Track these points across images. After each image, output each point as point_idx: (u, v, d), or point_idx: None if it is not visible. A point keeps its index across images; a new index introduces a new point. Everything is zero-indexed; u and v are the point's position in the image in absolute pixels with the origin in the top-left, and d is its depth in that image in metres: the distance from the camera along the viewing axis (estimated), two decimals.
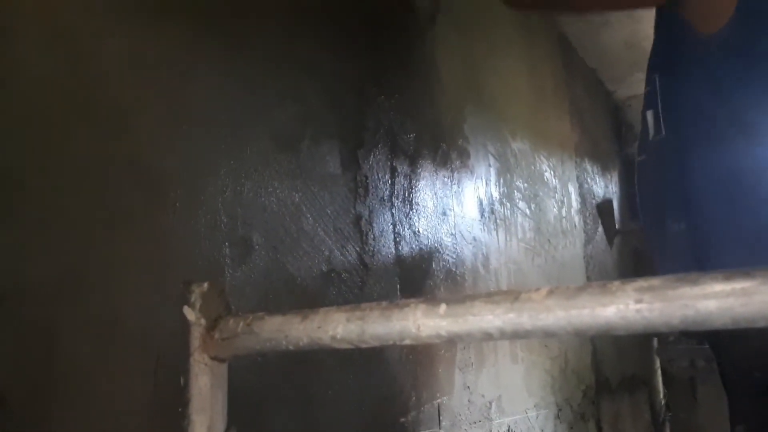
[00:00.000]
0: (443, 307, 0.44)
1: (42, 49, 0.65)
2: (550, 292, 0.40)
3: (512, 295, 0.41)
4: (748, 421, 1.06)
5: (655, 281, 0.37)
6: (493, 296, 0.42)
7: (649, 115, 1.19)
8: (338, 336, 0.49)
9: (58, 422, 0.60)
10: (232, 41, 0.91)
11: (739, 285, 0.34)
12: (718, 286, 0.35)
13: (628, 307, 0.37)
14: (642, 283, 0.37)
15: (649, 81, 1.20)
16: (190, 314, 0.56)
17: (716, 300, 0.35)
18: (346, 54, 1.18)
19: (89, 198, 0.68)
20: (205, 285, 0.57)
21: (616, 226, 2.51)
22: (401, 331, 0.45)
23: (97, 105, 0.70)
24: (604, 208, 2.48)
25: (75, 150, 0.67)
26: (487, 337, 0.42)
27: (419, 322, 0.44)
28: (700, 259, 1.05)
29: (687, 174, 1.11)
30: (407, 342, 0.46)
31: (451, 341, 0.45)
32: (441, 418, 1.25)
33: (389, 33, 1.36)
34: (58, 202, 0.65)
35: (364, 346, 0.48)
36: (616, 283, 0.38)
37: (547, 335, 0.40)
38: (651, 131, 1.17)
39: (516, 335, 0.41)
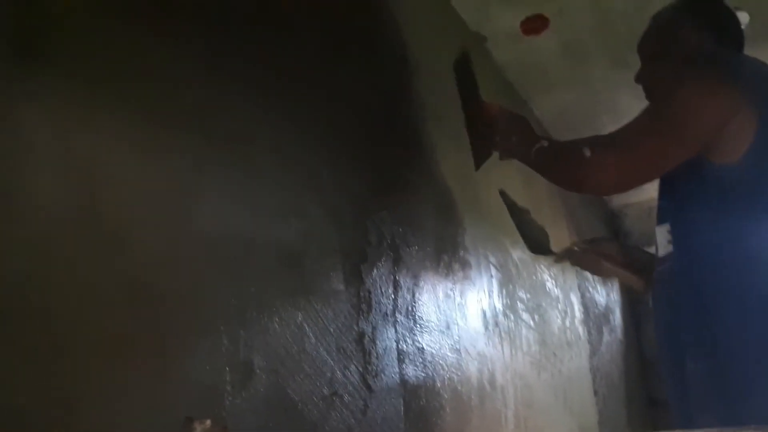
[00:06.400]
0: None
1: (56, 177, 0.66)
2: None
3: None
4: None
5: None
6: None
7: (659, 231, 1.19)
8: None
9: None
10: (234, 159, 0.92)
11: None
12: None
13: None
14: None
15: (661, 196, 1.21)
16: None
17: None
18: (347, 169, 1.20)
19: (83, 321, 0.65)
20: (208, 422, 0.53)
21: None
22: None
23: (99, 226, 0.70)
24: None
25: (74, 273, 0.66)
26: None
27: None
28: (727, 399, 1.01)
29: (701, 295, 1.09)
30: None
31: None
32: None
33: (390, 148, 1.39)
34: (52, 326, 0.62)
35: None
36: None
37: None
38: (662, 248, 1.17)
39: None
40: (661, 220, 1.19)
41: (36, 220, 0.63)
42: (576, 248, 1.47)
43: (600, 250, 1.44)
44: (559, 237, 2.64)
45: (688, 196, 1.13)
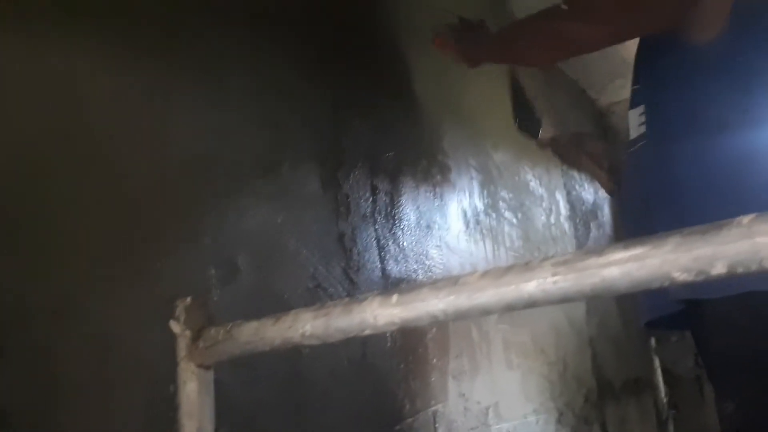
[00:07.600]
0: (395, 297, 0.49)
1: (37, 94, 0.71)
2: (483, 275, 0.45)
3: (452, 281, 0.47)
4: (735, 396, 1.07)
5: (568, 256, 0.42)
6: (436, 283, 0.47)
7: (632, 114, 1.19)
8: (307, 333, 0.54)
9: None
10: (206, 72, 0.97)
11: (634, 251, 0.39)
12: (619, 255, 0.40)
13: (546, 280, 0.42)
14: (558, 258, 0.42)
15: (635, 80, 1.20)
16: (175, 327, 0.61)
17: (618, 267, 0.40)
18: (319, 78, 1.24)
19: (82, 231, 0.73)
20: (188, 299, 0.62)
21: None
22: (361, 322, 0.50)
23: (79, 144, 0.76)
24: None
25: (66, 189, 0.73)
26: (434, 319, 0.47)
27: (376, 313, 0.50)
28: None
29: (672, 174, 1.10)
30: (367, 332, 0.51)
31: (404, 327, 0.50)
32: (437, 425, 1.29)
33: (363, 58, 1.42)
34: (55, 235, 0.70)
35: (331, 340, 0.53)
36: (536, 260, 0.43)
37: (483, 312, 0.45)
38: (633, 130, 1.17)
39: (458, 315, 0.46)
40: (634, 104, 1.19)
41: (19, 136, 0.69)
42: (561, 138, 1.48)
43: (583, 145, 1.45)
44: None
45: (663, 75, 1.12)
